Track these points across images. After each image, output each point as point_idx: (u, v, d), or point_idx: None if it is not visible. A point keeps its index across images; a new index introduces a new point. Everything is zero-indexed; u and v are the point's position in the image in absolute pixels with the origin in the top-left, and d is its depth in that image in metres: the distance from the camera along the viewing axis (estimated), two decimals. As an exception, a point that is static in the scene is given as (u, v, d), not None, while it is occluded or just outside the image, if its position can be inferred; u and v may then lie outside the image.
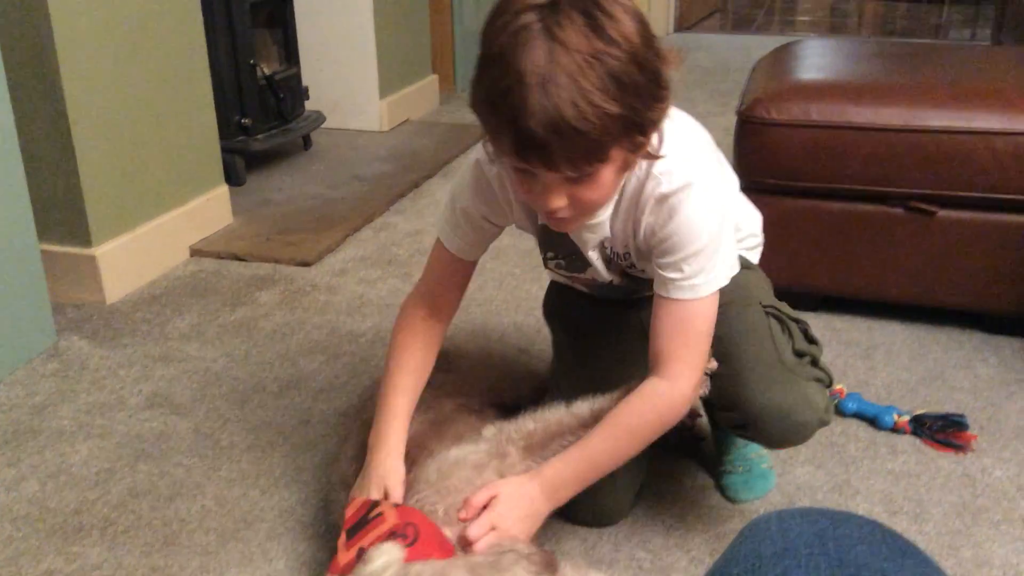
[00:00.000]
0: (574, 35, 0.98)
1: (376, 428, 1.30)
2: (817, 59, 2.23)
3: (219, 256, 2.42)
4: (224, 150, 2.62)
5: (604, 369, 1.45)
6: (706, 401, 1.42)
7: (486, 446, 1.25)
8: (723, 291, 1.26)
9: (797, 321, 1.35)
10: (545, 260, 1.39)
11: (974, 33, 5.86)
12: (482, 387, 1.50)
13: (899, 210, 1.91)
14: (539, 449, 1.26)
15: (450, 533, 1.14)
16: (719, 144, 1.33)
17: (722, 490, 1.51)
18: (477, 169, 1.27)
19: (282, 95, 3.00)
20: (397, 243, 2.51)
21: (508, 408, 1.51)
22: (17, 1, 1.94)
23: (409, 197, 2.87)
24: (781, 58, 2.25)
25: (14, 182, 1.87)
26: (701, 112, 1.29)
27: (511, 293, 2.21)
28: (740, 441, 1.53)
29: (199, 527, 1.44)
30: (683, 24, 5.78)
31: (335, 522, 1.29)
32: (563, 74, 0.97)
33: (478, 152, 1.27)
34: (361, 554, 1.08)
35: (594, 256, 1.31)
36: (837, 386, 1.69)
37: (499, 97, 1.01)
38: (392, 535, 1.10)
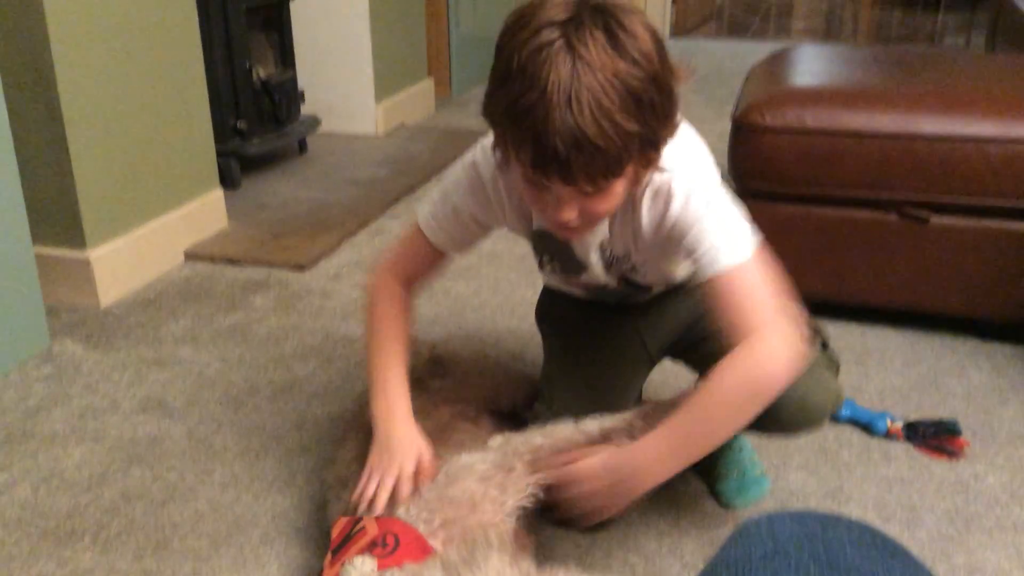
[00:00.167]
0: (597, 53, 1.00)
1: (383, 399, 1.30)
2: (812, 65, 2.24)
3: (213, 260, 2.42)
4: (219, 153, 2.63)
5: (597, 373, 1.46)
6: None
7: (493, 456, 1.24)
8: None
9: (807, 315, 1.34)
10: (540, 263, 1.39)
11: (968, 40, 5.88)
12: (478, 394, 1.49)
13: (892, 216, 1.91)
14: (547, 465, 1.25)
15: (439, 545, 1.13)
16: (713, 150, 1.33)
17: (715, 496, 1.51)
18: (473, 171, 1.28)
19: (278, 99, 3.00)
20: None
21: (504, 415, 1.51)
22: (13, 4, 1.94)
23: (404, 201, 2.87)
24: (776, 64, 2.26)
25: (8, 184, 1.86)
26: (696, 117, 1.29)
27: (506, 298, 2.21)
28: (734, 446, 1.53)
29: (192, 531, 1.44)
30: (679, 29, 5.80)
31: (329, 522, 1.28)
32: (586, 92, 0.99)
33: (474, 153, 1.28)
34: None
35: (595, 258, 1.31)
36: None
37: (522, 112, 1.01)
38: (372, 545, 1.10)
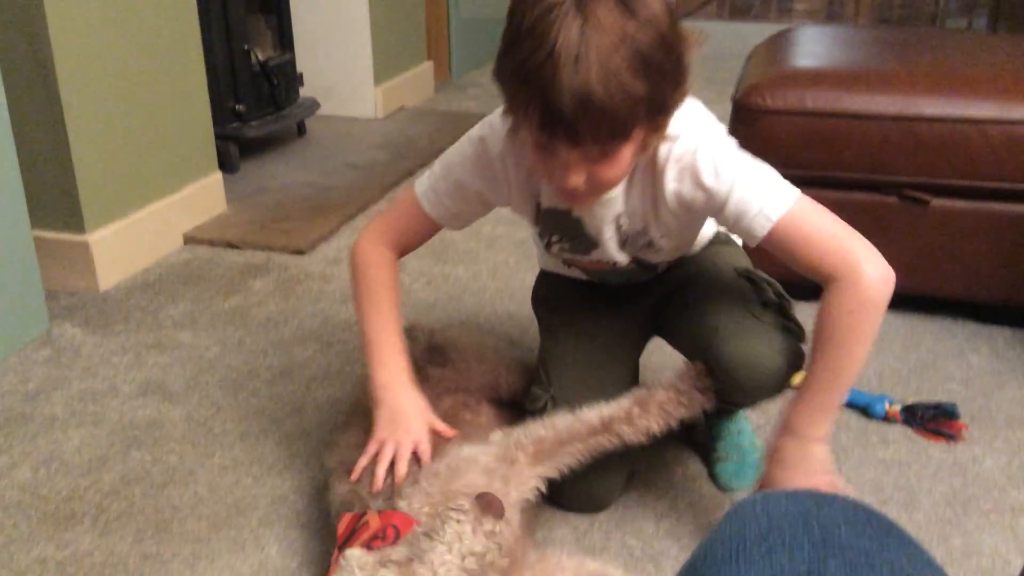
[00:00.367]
0: (606, 14, 1.00)
1: (384, 369, 1.31)
2: (813, 47, 2.23)
3: (212, 243, 2.42)
4: (218, 137, 2.62)
5: (595, 353, 1.46)
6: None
7: (496, 449, 1.24)
8: (698, 260, 1.36)
9: (769, 282, 1.35)
10: (549, 244, 1.38)
11: (970, 22, 5.85)
12: (479, 383, 1.49)
13: (893, 199, 1.91)
14: (549, 456, 1.25)
15: None
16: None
17: (714, 478, 1.51)
18: (480, 145, 1.28)
19: (276, 81, 2.99)
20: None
21: (503, 402, 1.51)
22: (8, -14, 1.93)
23: (403, 185, 2.86)
24: (777, 46, 2.25)
25: (7, 168, 1.86)
26: (697, 99, 1.29)
27: (505, 283, 2.20)
28: (733, 429, 1.54)
29: (191, 514, 1.44)
30: (681, 11, 5.77)
31: (331, 506, 1.29)
32: (594, 51, 0.99)
33: (482, 129, 1.28)
34: None
35: (608, 234, 1.31)
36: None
37: (530, 71, 1.02)
38: (373, 538, 1.11)
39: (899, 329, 1.97)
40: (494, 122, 1.26)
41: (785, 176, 1.30)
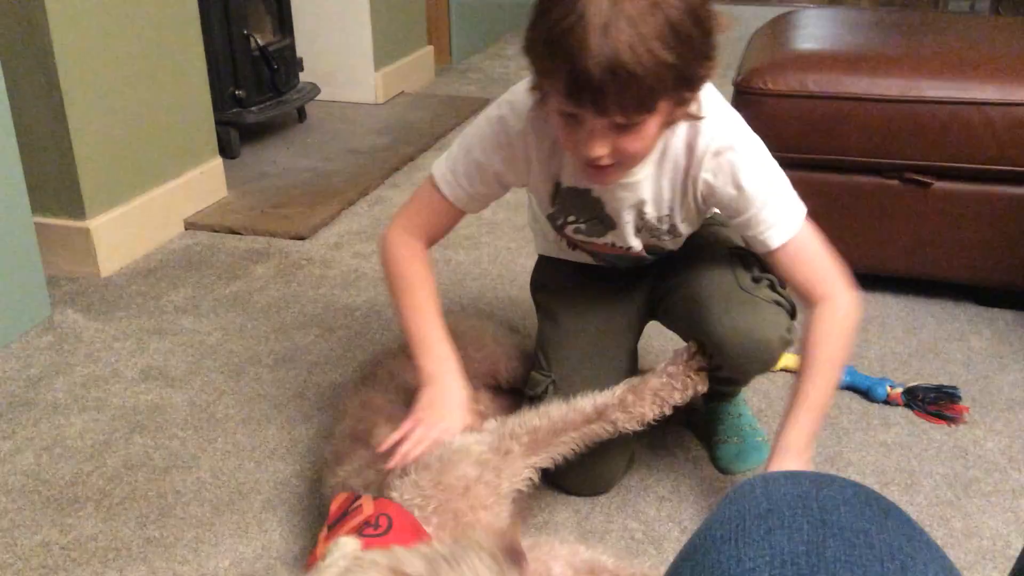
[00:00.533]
0: None
1: (430, 357, 1.30)
2: (814, 29, 2.22)
3: (213, 229, 2.42)
4: (218, 122, 2.61)
5: (595, 336, 1.46)
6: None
7: (489, 439, 1.23)
8: (692, 241, 1.38)
9: (761, 263, 1.36)
10: (564, 224, 1.38)
11: (973, 4, 5.82)
12: (477, 369, 1.49)
13: (894, 182, 1.90)
14: (543, 446, 1.25)
15: (432, 530, 1.12)
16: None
17: (715, 461, 1.51)
18: (500, 125, 1.28)
19: (276, 66, 2.98)
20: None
21: (502, 388, 1.50)
22: (6, -29, 1.92)
23: (404, 170, 2.86)
24: (778, 28, 2.24)
25: (7, 154, 1.86)
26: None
27: (505, 268, 2.20)
28: (733, 412, 1.54)
29: (194, 499, 1.45)
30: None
31: (325, 498, 1.29)
32: (624, 19, 1.00)
33: (500, 109, 1.28)
34: None
35: (628, 218, 1.31)
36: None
37: (559, 37, 1.03)
38: (364, 525, 1.10)
39: (900, 312, 1.97)
40: (513, 101, 1.27)
41: (787, 160, 1.31)
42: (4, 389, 1.74)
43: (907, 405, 1.64)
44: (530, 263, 1.65)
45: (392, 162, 2.87)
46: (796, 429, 1.26)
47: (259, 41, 2.94)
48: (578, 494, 1.44)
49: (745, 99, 1.93)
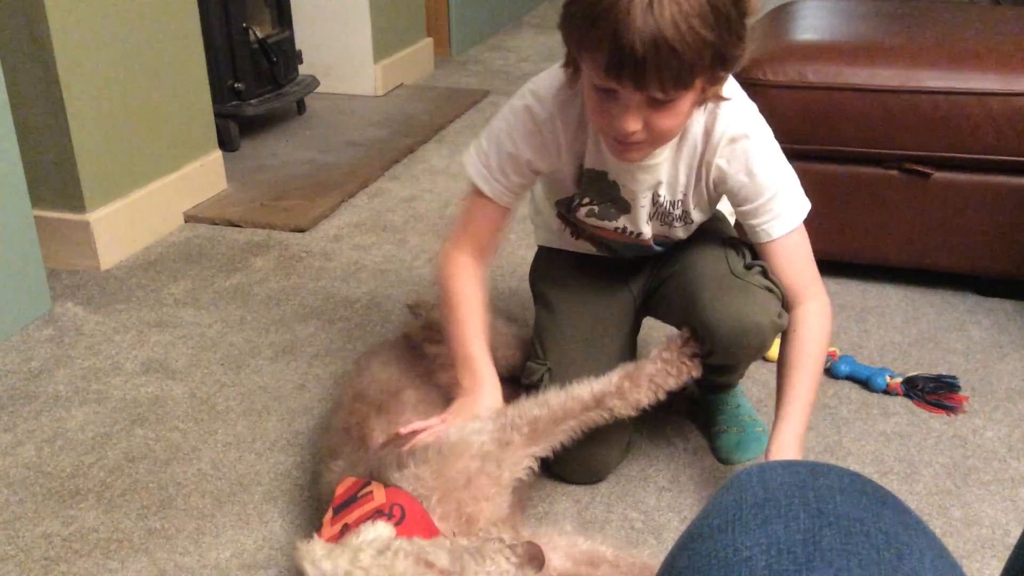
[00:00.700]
0: None
1: (469, 373, 1.32)
2: (814, 20, 2.21)
3: (213, 222, 2.42)
4: (217, 115, 2.61)
5: (593, 329, 1.46)
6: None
7: (491, 429, 1.23)
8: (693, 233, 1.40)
9: (753, 251, 1.39)
10: (577, 207, 1.39)
11: (974, -6, 5.79)
12: None
13: (894, 172, 1.90)
14: (543, 436, 1.25)
15: (439, 522, 1.13)
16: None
17: (714, 451, 1.52)
18: (527, 114, 1.30)
19: (275, 59, 2.97)
20: (392, 209, 2.51)
21: (501, 378, 1.51)
22: (4, -36, 1.92)
23: (404, 163, 2.85)
24: (778, 19, 2.23)
25: (7, 148, 1.86)
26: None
27: (505, 259, 2.20)
28: (731, 403, 1.54)
29: (195, 490, 1.45)
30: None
31: (322, 492, 1.29)
32: None
33: (524, 100, 1.30)
34: (345, 530, 1.08)
35: (643, 201, 1.33)
36: (830, 348, 1.69)
37: (604, 11, 1.05)
38: (378, 513, 1.10)
39: (900, 302, 1.97)
40: (536, 90, 1.29)
41: (786, 151, 1.32)
42: (5, 382, 1.74)
43: (907, 395, 1.65)
44: (529, 255, 1.66)
45: (392, 154, 2.87)
46: (791, 426, 1.28)
47: (258, 34, 2.93)
48: (575, 482, 1.44)
49: (744, 90, 1.92)
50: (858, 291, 2.02)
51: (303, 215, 2.43)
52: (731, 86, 1.24)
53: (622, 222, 1.37)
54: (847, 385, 1.68)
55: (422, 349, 1.49)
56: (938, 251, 1.95)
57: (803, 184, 1.31)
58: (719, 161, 1.27)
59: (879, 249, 1.99)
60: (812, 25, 2.17)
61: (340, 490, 1.19)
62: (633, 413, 1.29)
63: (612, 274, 1.51)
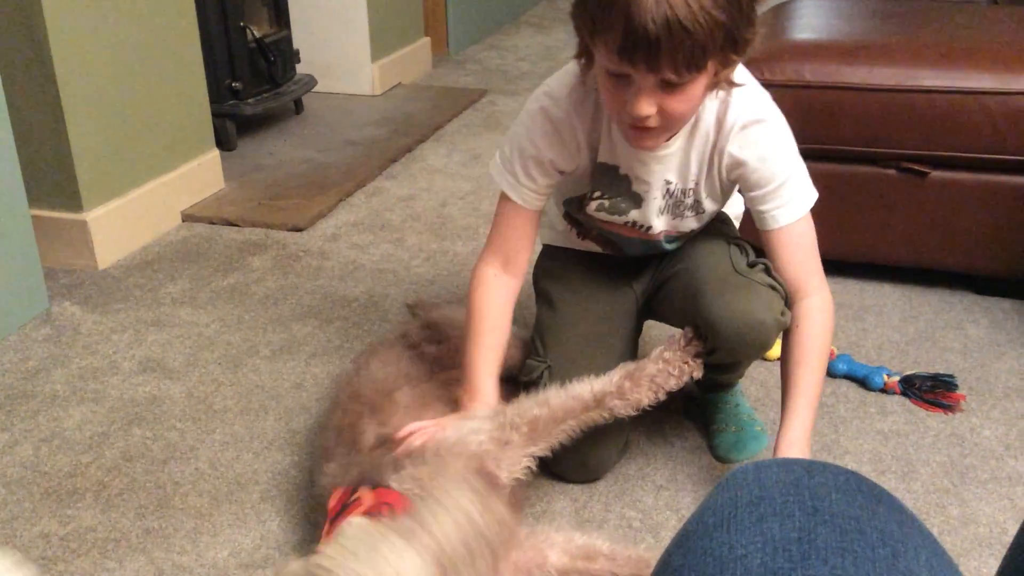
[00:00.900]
0: None
1: (469, 388, 1.34)
2: (811, 19, 2.21)
3: (211, 221, 2.42)
4: (215, 115, 2.61)
5: (594, 328, 1.46)
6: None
7: (489, 428, 1.23)
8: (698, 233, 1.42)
9: (755, 247, 1.40)
10: (589, 200, 1.39)
11: (972, -7, 5.79)
12: None
13: (891, 171, 1.90)
14: (543, 436, 1.25)
15: None
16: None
17: (713, 450, 1.52)
18: (543, 115, 1.31)
19: (273, 58, 2.97)
20: (389, 208, 2.51)
21: (501, 378, 1.51)
22: (1, -37, 1.92)
23: (401, 162, 2.85)
24: (776, 18, 2.23)
25: (4, 147, 1.85)
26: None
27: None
28: (730, 402, 1.54)
29: (193, 490, 1.45)
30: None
31: (318, 493, 1.29)
32: None
33: (539, 102, 1.31)
34: None
35: (655, 194, 1.34)
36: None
37: None
38: (367, 515, 1.10)
39: (897, 301, 1.97)
40: (550, 91, 1.31)
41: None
42: (2, 381, 1.74)
43: (904, 393, 1.65)
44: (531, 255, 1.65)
45: (389, 153, 2.87)
46: (799, 422, 1.28)
47: (255, 33, 2.93)
48: (572, 481, 1.44)
49: (742, 89, 1.92)
50: (856, 290, 2.02)
51: (301, 214, 2.43)
52: (743, 73, 1.26)
53: (633, 216, 1.38)
54: (844, 384, 1.69)
55: (420, 349, 1.49)
56: (936, 250, 1.95)
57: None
58: (731, 148, 1.28)
59: (877, 248, 1.99)
60: (809, 24, 2.17)
61: (332, 502, 1.19)
62: (633, 413, 1.29)
63: (616, 274, 1.51)
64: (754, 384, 1.68)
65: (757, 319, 1.29)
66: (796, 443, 1.27)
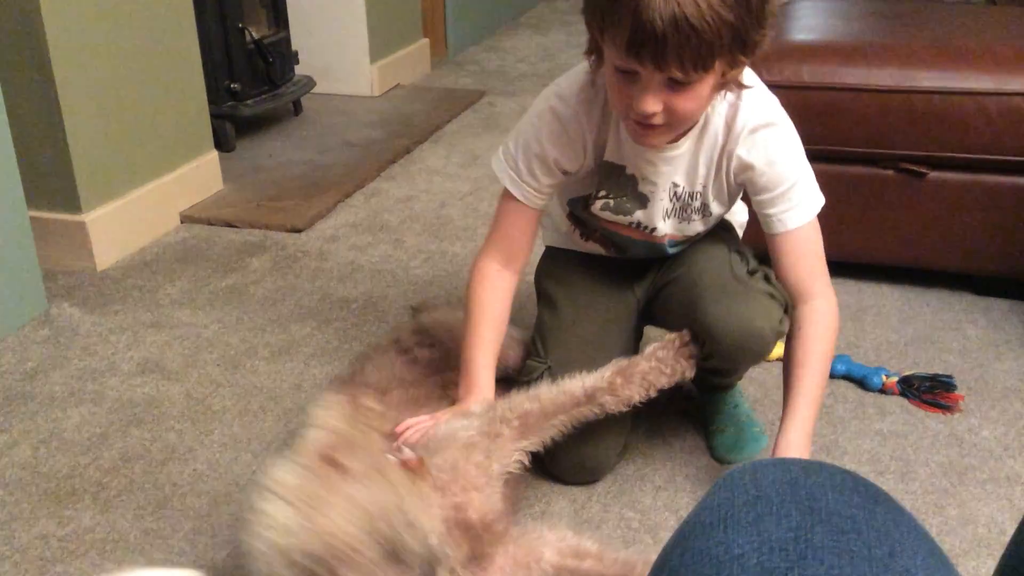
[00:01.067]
0: None
1: (466, 380, 1.34)
2: (810, 19, 2.22)
3: (210, 222, 2.42)
4: (213, 116, 2.61)
5: (595, 330, 1.46)
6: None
7: (478, 423, 1.24)
8: (699, 240, 1.42)
9: (758, 258, 1.40)
10: (594, 199, 1.39)
11: (970, -6, 5.80)
12: None
13: (890, 172, 1.90)
14: (534, 431, 1.25)
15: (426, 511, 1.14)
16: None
17: (712, 450, 1.52)
18: (552, 115, 1.32)
19: (271, 59, 2.97)
20: (388, 209, 2.51)
21: (498, 377, 1.51)
22: (0, -36, 1.92)
23: (400, 163, 2.85)
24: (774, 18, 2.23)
25: (2, 148, 1.85)
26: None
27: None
28: (729, 402, 1.54)
29: (191, 491, 1.45)
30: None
31: None
32: None
33: (548, 102, 1.32)
34: None
35: (664, 196, 1.34)
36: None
37: None
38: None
39: (896, 301, 1.97)
40: (559, 92, 1.31)
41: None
42: (1, 383, 1.74)
43: (903, 394, 1.65)
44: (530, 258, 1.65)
45: (388, 155, 2.87)
46: (799, 422, 1.27)
47: (254, 34, 2.93)
48: (570, 482, 1.44)
49: (740, 89, 1.92)
50: (854, 290, 2.02)
51: (299, 215, 2.43)
52: (751, 80, 1.26)
53: (637, 217, 1.38)
54: (843, 384, 1.69)
55: (413, 354, 1.49)
56: (934, 250, 1.95)
57: (800, 184, 1.32)
58: (740, 152, 1.28)
59: (875, 248, 1.99)
60: (808, 25, 2.17)
61: None
62: (624, 409, 1.30)
63: (617, 277, 1.51)
64: (753, 384, 1.68)
65: (755, 327, 1.29)
66: (795, 443, 1.27)
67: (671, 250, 1.44)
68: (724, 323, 1.29)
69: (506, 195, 1.39)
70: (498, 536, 1.15)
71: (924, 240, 1.94)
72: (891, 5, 2.39)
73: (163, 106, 2.33)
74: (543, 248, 1.62)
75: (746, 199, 1.41)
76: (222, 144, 2.79)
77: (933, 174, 1.88)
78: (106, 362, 1.80)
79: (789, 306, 1.34)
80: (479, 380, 1.34)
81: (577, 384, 1.28)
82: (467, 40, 4.27)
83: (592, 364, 1.37)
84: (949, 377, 1.65)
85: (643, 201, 1.36)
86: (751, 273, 1.35)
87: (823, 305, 1.32)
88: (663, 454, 1.52)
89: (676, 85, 1.13)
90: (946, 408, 1.61)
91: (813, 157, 1.91)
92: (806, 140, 1.89)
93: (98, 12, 2.09)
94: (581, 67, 1.30)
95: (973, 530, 1.34)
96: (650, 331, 1.66)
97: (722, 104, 1.27)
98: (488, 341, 1.36)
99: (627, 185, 1.35)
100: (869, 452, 1.51)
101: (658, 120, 1.17)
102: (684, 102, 1.15)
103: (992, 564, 1.28)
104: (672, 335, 1.35)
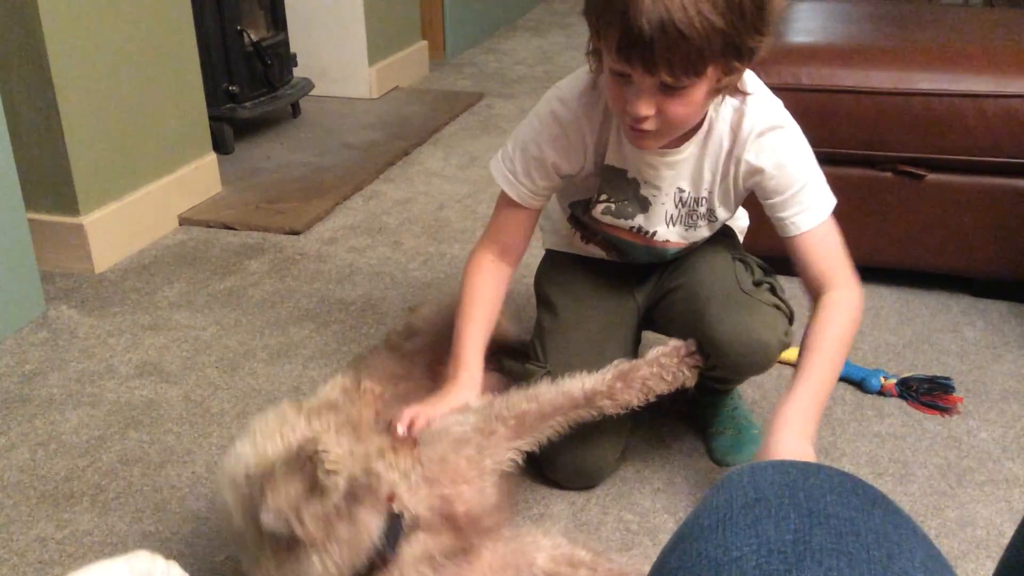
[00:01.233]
0: None
1: (456, 357, 1.34)
2: (808, 22, 2.22)
3: (208, 225, 2.42)
4: (212, 118, 2.61)
5: (595, 335, 1.46)
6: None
7: (474, 419, 1.24)
8: (700, 247, 1.41)
9: (760, 265, 1.40)
10: (595, 203, 1.39)
11: (968, -3, 5.81)
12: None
13: (888, 174, 1.91)
14: (530, 430, 1.25)
15: (415, 503, 1.14)
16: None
17: (710, 453, 1.52)
18: (552, 118, 1.32)
19: (270, 62, 2.97)
20: (387, 211, 2.51)
21: (492, 369, 1.51)
22: (-2, -33, 1.92)
23: (399, 165, 2.85)
24: (771, 22, 2.23)
25: (1, 151, 1.86)
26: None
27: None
28: (728, 405, 1.54)
29: (190, 493, 1.45)
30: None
31: None
32: None
33: (550, 105, 1.32)
34: None
35: (668, 201, 1.34)
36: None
37: None
38: None
39: (894, 303, 1.97)
40: (561, 95, 1.32)
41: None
42: (-1, 385, 1.74)
43: (901, 396, 1.65)
44: (527, 259, 1.65)
45: (386, 157, 2.87)
46: (795, 403, 1.20)
47: (252, 37, 2.93)
48: (569, 487, 1.44)
49: (738, 92, 1.93)
50: (852, 293, 2.02)
51: (298, 218, 2.43)
52: (755, 84, 1.25)
53: (638, 220, 1.38)
54: (841, 386, 1.69)
55: (402, 351, 1.50)
56: (932, 252, 1.95)
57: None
58: (748, 156, 1.28)
59: (873, 250, 1.99)
60: (806, 27, 2.18)
61: None
62: (621, 411, 1.29)
63: (618, 282, 1.51)
64: (751, 386, 1.68)
65: (760, 339, 1.29)
66: (788, 423, 1.18)
67: (672, 254, 1.44)
68: (730, 336, 1.28)
69: (503, 195, 1.39)
70: (486, 531, 1.15)
71: (922, 242, 1.94)
72: (889, 8, 2.40)
73: (161, 108, 2.33)
74: (543, 252, 1.62)
75: (748, 204, 1.41)
76: (220, 146, 2.79)
77: (931, 176, 1.88)
78: (104, 364, 1.80)
79: (794, 317, 1.33)
80: (467, 359, 1.33)
81: (577, 386, 1.28)
82: (465, 42, 4.27)
83: (591, 368, 1.37)
84: (947, 379, 1.65)
85: (644, 205, 1.36)
86: (756, 284, 1.34)
87: (844, 293, 1.27)
88: (661, 456, 1.52)
89: (668, 89, 1.13)
90: (944, 410, 1.61)
91: (811, 159, 1.93)
92: (804, 142, 1.91)
93: (96, 14, 2.09)
94: (583, 70, 1.30)
95: (971, 532, 1.34)
96: (648, 335, 1.66)
97: (727, 109, 1.26)
98: (478, 322, 1.36)
99: (628, 189, 1.35)
100: (867, 454, 1.51)
101: (650, 124, 1.17)
102: (676, 107, 1.15)
103: (991, 566, 1.28)
104: (677, 342, 1.34)
